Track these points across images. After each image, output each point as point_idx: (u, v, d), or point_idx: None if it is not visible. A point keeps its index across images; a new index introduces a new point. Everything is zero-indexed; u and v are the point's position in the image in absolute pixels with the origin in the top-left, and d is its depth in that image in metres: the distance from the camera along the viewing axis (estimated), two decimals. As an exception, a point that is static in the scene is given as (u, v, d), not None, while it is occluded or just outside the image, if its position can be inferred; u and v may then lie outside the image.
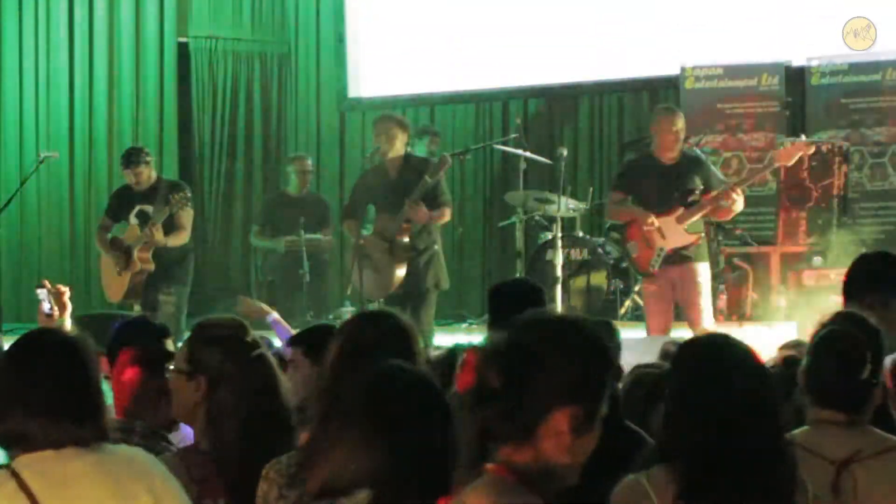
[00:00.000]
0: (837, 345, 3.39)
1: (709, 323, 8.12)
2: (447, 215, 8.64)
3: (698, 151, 9.21)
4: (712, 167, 8.81)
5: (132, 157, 9.34)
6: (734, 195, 8.12)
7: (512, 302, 4.87)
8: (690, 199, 8.19)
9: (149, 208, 9.13)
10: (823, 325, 3.48)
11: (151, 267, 9.04)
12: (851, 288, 4.48)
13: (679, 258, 8.20)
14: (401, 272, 8.43)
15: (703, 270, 8.27)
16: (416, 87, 12.73)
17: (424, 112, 12.89)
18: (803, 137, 9.40)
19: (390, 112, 9.14)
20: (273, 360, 3.55)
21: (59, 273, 12.22)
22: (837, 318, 3.52)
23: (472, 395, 2.43)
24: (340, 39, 13.23)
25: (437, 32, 12.65)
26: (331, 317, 10.16)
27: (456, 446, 2.58)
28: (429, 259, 8.54)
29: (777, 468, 2.81)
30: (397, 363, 2.74)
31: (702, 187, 8.24)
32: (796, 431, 3.36)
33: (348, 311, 10.30)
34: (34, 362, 2.92)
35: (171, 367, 3.59)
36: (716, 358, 2.92)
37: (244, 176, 13.32)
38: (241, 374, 3.43)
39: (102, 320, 6.63)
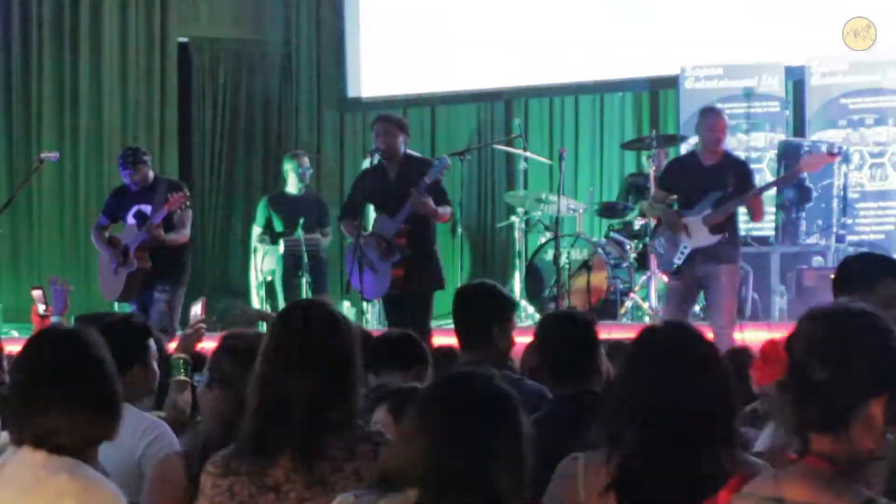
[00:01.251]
0: None
1: (729, 324, 8.19)
2: (449, 215, 8.64)
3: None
4: (752, 172, 8.88)
5: (130, 157, 9.29)
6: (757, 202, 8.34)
7: (474, 304, 4.89)
8: (717, 200, 8.28)
9: (147, 208, 9.10)
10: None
11: (148, 265, 9.01)
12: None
13: (707, 259, 8.26)
14: (399, 273, 8.42)
15: (730, 272, 8.32)
16: (416, 87, 12.73)
17: (425, 112, 12.89)
18: (823, 148, 9.56)
19: (389, 112, 9.11)
20: None
21: (59, 273, 12.22)
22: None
23: (790, 387, 2.44)
24: (340, 39, 13.23)
25: (437, 32, 12.65)
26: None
27: (524, 454, 2.60)
28: (427, 260, 8.53)
29: (715, 463, 2.86)
30: (476, 369, 2.77)
31: (730, 190, 8.30)
32: None
33: (347, 311, 10.31)
34: (57, 358, 2.99)
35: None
36: (668, 348, 3.00)
37: (244, 176, 13.33)
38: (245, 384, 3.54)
39: (102, 319, 6.62)
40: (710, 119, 8.44)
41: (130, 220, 9.12)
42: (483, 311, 4.88)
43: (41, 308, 5.13)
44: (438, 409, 2.62)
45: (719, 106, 9.38)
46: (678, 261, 8.30)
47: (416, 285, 8.37)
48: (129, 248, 9.02)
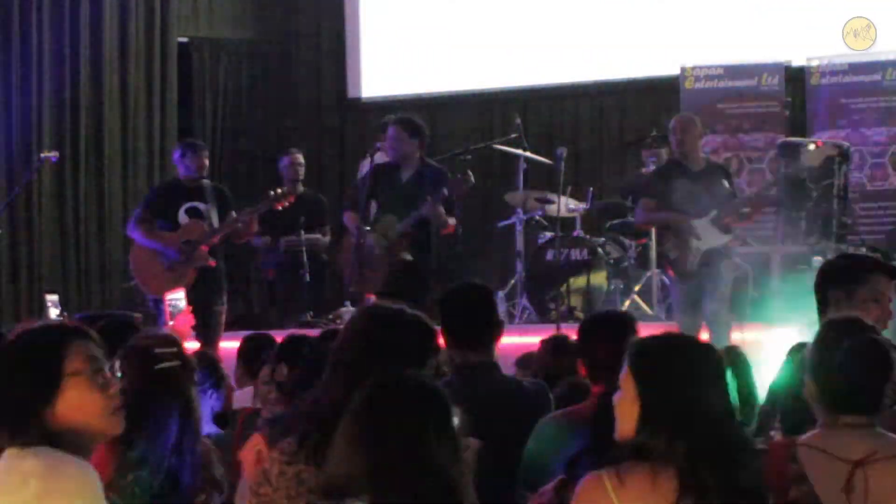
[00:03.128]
0: (872, 353, 3.40)
1: (725, 312, 8.31)
2: (452, 227, 8.78)
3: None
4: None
5: (197, 143, 9.00)
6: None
7: (462, 306, 4.88)
8: (729, 201, 8.40)
9: (202, 205, 8.81)
10: (837, 333, 3.47)
11: (215, 263, 8.74)
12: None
13: (711, 258, 8.38)
14: (394, 273, 8.51)
15: (728, 267, 8.47)
16: (415, 88, 12.73)
17: (424, 112, 12.87)
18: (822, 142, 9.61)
19: (405, 116, 9.12)
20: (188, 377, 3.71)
21: (59, 273, 12.21)
22: (848, 325, 3.52)
23: None
24: (340, 39, 13.24)
25: (437, 33, 12.66)
26: (330, 317, 10.15)
27: (459, 444, 2.63)
28: (423, 265, 8.64)
29: (751, 468, 2.89)
30: (407, 373, 2.79)
31: (731, 191, 8.47)
32: (808, 434, 3.40)
33: (348, 311, 10.30)
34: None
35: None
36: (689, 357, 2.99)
37: (245, 176, 13.31)
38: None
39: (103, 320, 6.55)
40: (692, 126, 8.54)
41: (183, 216, 8.82)
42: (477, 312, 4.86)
43: (54, 312, 5.08)
44: (371, 416, 2.64)
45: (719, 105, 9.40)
46: (693, 263, 8.37)
47: (409, 288, 8.46)
48: (197, 243, 8.71)
